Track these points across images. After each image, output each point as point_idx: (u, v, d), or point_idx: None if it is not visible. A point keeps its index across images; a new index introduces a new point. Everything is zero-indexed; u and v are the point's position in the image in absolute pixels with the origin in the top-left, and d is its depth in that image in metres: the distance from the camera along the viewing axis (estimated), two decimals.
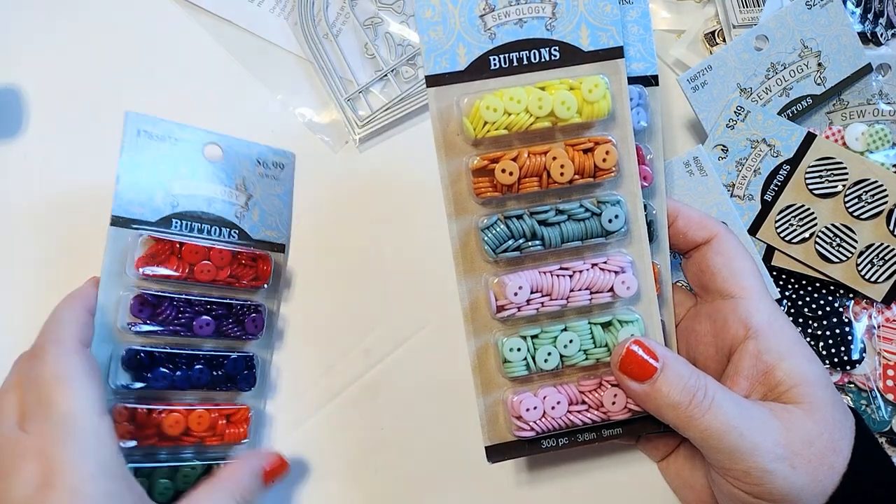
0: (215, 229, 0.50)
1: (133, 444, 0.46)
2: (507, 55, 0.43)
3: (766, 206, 0.53)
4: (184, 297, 0.48)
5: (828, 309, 0.53)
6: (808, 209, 0.52)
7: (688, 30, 0.60)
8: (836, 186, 0.52)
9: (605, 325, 0.44)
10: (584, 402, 0.44)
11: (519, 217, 0.43)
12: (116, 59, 0.58)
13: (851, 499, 0.40)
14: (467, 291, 0.44)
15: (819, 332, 0.52)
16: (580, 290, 0.44)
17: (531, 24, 0.43)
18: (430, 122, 0.43)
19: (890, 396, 0.51)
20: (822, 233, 0.52)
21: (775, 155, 0.53)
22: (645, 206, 0.46)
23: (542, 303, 0.43)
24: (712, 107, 0.54)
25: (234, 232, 0.51)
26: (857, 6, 0.56)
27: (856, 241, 0.51)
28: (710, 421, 0.39)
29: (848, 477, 0.40)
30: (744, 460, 0.39)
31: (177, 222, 0.49)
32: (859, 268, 0.51)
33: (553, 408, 0.44)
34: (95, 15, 0.59)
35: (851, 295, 0.53)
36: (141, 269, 0.47)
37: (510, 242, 0.43)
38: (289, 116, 0.58)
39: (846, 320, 0.52)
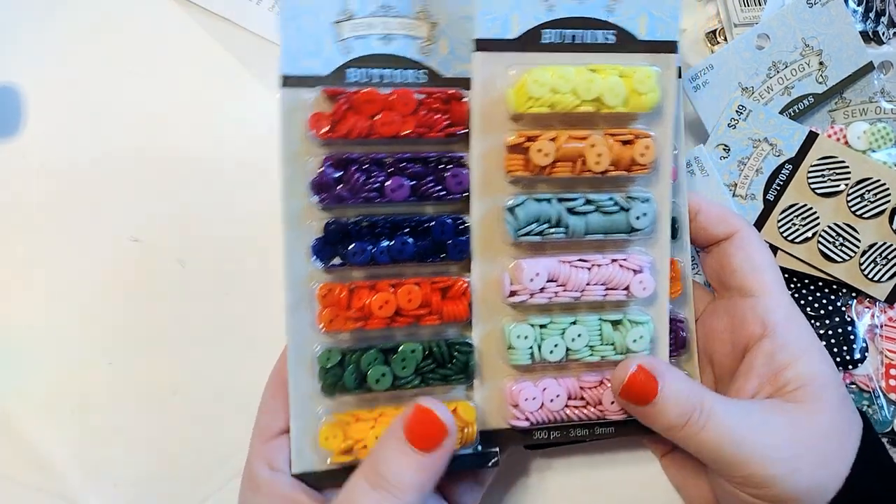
0: (399, 72, 0.43)
1: (339, 326, 0.41)
2: (560, 31, 0.41)
3: (769, 206, 0.53)
4: (372, 157, 0.42)
5: (830, 308, 0.52)
6: (811, 208, 0.52)
7: (689, 29, 0.60)
8: (838, 185, 0.51)
9: (615, 324, 0.44)
10: (582, 398, 0.44)
11: (548, 201, 0.42)
12: (116, 59, 0.58)
13: (852, 503, 0.40)
14: (481, 272, 0.43)
15: (821, 332, 0.52)
16: (596, 284, 0.43)
17: (592, 2, 0.42)
18: (471, 88, 0.41)
19: (893, 396, 0.51)
20: (825, 232, 0.52)
21: (777, 154, 0.53)
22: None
23: (556, 292, 0.42)
24: (714, 106, 0.54)
25: (424, 72, 0.43)
26: (859, 5, 0.56)
27: (858, 241, 0.51)
28: (706, 437, 0.39)
29: (850, 481, 0.40)
30: (743, 468, 0.39)
31: (352, 71, 0.42)
32: (862, 267, 0.51)
33: (552, 400, 0.43)
34: (95, 14, 0.58)
35: (854, 294, 0.53)
36: (314, 131, 0.41)
37: (533, 226, 0.41)
38: None
39: (848, 319, 0.52)
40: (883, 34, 0.56)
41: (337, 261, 0.42)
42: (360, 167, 0.41)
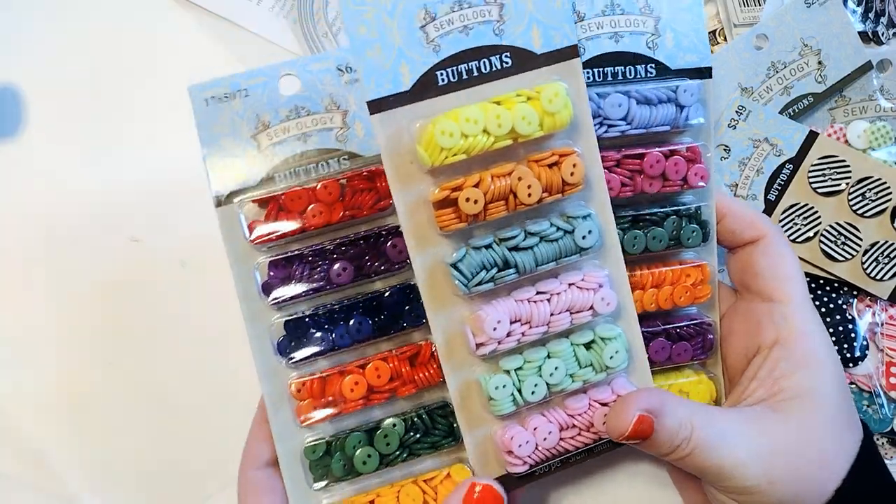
0: (322, 164, 0.44)
1: (317, 418, 0.43)
2: (454, 68, 0.39)
3: (770, 206, 0.53)
4: (312, 248, 0.43)
5: (831, 306, 0.52)
6: (812, 208, 0.52)
7: None
8: (839, 185, 0.52)
9: (588, 345, 0.43)
10: (574, 426, 0.43)
11: (488, 246, 0.40)
12: (116, 59, 0.58)
13: None
14: (441, 328, 0.41)
15: None
16: (560, 313, 0.41)
17: (478, 30, 0.39)
18: (381, 152, 0.39)
19: (893, 394, 0.51)
20: (827, 231, 0.52)
21: (778, 154, 0.53)
22: (699, 208, 0.45)
23: (523, 332, 0.41)
24: (714, 106, 0.54)
25: (344, 158, 0.44)
26: (858, 5, 0.56)
27: (860, 239, 0.51)
28: (695, 461, 0.39)
29: (840, 493, 0.40)
30: (724, 481, 0.40)
31: (279, 175, 0.44)
32: (864, 266, 0.51)
33: (545, 438, 0.42)
34: (95, 15, 0.58)
35: (854, 292, 0.53)
36: (252, 235, 0.42)
37: (483, 275, 0.40)
38: None
39: (849, 317, 0.52)
40: (882, 34, 0.56)
41: (302, 354, 0.43)
42: (302, 261, 0.43)
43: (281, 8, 0.59)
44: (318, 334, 0.43)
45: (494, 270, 0.40)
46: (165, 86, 0.58)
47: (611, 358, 0.42)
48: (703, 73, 0.45)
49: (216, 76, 0.43)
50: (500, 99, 0.39)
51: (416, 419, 0.43)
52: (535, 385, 0.41)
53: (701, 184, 0.45)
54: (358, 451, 0.42)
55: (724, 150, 0.53)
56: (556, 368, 0.41)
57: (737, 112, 0.53)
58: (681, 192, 0.45)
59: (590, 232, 0.41)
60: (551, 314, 0.41)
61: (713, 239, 0.46)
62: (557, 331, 0.42)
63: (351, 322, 0.43)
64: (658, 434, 0.39)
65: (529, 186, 0.39)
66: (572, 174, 0.40)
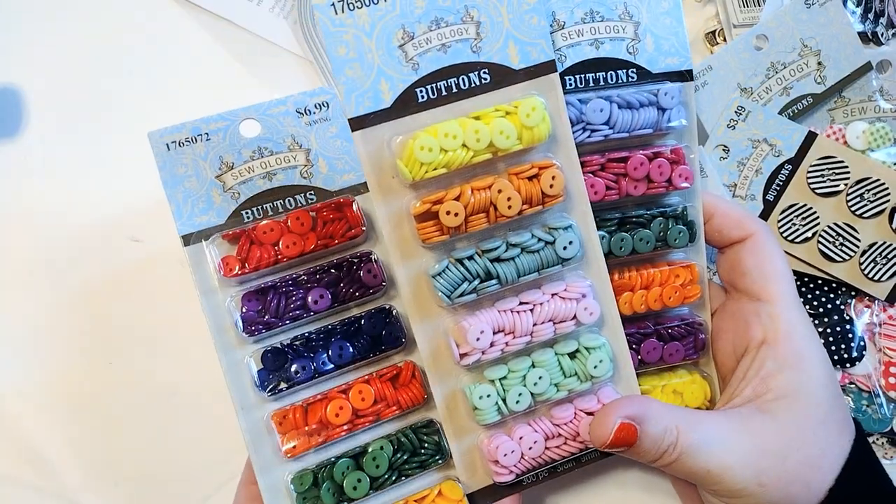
0: (289, 200, 0.45)
1: (303, 448, 0.43)
2: (434, 85, 0.40)
3: (769, 206, 0.53)
4: (287, 278, 0.44)
5: (829, 306, 0.52)
6: (811, 208, 0.52)
7: (688, 29, 0.60)
8: (837, 185, 0.52)
9: (572, 354, 0.43)
10: (560, 436, 0.43)
11: (470, 258, 0.41)
12: (116, 59, 0.58)
13: None
14: (426, 339, 0.42)
15: (820, 330, 0.52)
16: (543, 323, 0.42)
17: (456, 48, 0.40)
18: (363, 167, 0.40)
19: (892, 394, 0.51)
20: (825, 232, 0.52)
21: (777, 154, 0.53)
22: (685, 209, 0.45)
23: (507, 342, 0.41)
24: (713, 107, 0.54)
25: (311, 194, 0.45)
26: (858, 6, 0.56)
27: (858, 240, 0.51)
28: (683, 466, 0.40)
29: (833, 493, 0.40)
30: (714, 484, 0.40)
31: (247, 212, 0.44)
32: (862, 266, 0.51)
33: (530, 448, 0.42)
34: (95, 15, 0.58)
35: (853, 293, 0.53)
36: (227, 271, 0.43)
37: (465, 286, 0.40)
38: None
39: (847, 318, 0.52)
40: (882, 35, 0.56)
41: (283, 385, 0.43)
42: (277, 292, 0.43)
43: (281, 8, 0.59)
44: (299, 363, 0.43)
45: (476, 282, 0.41)
46: (165, 86, 0.58)
47: (595, 367, 0.42)
48: (685, 76, 0.46)
49: (175, 122, 0.43)
50: (478, 114, 0.40)
51: (402, 439, 0.43)
52: (520, 394, 0.41)
53: (685, 185, 0.45)
54: (347, 478, 0.42)
55: (724, 150, 0.53)
56: (540, 378, 0.42)
57: (736, 112, 0.53)
58: (666, 193, 0.46)
59: (570, 243, 0.42)
60: (534, 324, 0.42)
61: (701, 239, 0.47)
62: (540, 340, 0.42)
63: (331, 348, 0.43)
64: (643, 441, 0.39)
65: (509, 199, 0.40)
66: (552, 186, 0.41)
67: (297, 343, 0.44)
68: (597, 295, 0.43)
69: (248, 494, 0.44)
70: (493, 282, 0.41)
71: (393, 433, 0.44)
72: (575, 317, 0.42)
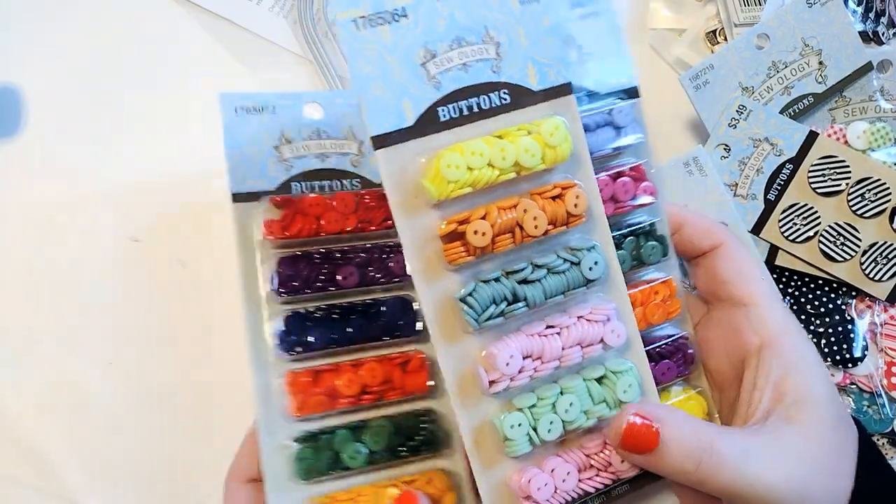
0: (336, 183, 0.48)
1: (310, 408, 0.44)
2: (455, 104, 0.40)
3: (770, 206, 0.53)
4: (322, 251, 0.46)
5: (830, 306, 0.52)
6: (812, 208, 0.52)
7: (689, 28, 0.60)
8: (838, 185, 0.52)
9: (600, 380, 0.42)
10: (592, 467, 0.41)
11: (496, 280, 0.40)
12: (116, 59, 0.58)
13: None
14: (452, 367, 0.41)
15: (821, 330, 0.52)
16: (571, 346, 0.41)
17: (476, 67, 0.40)
18: (385, 187, 0.40)
19: (894, 394, 0.51)
20: (826, 232, 0.52)
21: (778, 154, 0.53)
22: (653, 224, 0.45)
23: (535, 368, 0.40)
24: (714, 106, 0.54)
25: (356, 181, 0.48)
26: (859, 5, 0.56)
27: (859, 240, 0.51)
28: (722, 480, 0.38)
29: (857, 495, 0.39)
30: (757, 502, 0.39)
31: (296, 185, 0.47)
32: (863, 266, 0.51)
33: (564, 480, 0.40)
34: (95, 14, 0.58)
35: (854, 293, 0.53)
36: (269, 235, 0.45)
37: (492, 309, 0.40)
38: None
39: (848, 318, 0.52)
40: (883, 34, 0.56)
41: (299, 349, 0.44)
42: (311, 262, 0.45)
43: (281, 8, 0.59)
44: (317, 331, 0.45)
45: (504, 304, 0.40)
46: (165, 86, 0.58)
47: (624, 392, 0.41)
48: (631, 93, 0.46)
49: (247, 91, 0.45)
50: (502, 133, 0.40)
51: (402, 422, 0.45)
52: (551, 423, 0.40)
53: (650, 200, 0.45)
54: (346, 447, 0.43)
55: (724, 149, 0.53)
56: (570, 405, 0.41)
57: (737, 111, 0.53)
58: (632, 211, 0.46)
59: (596, 263, 0.41)
60: (563, 348, 0.41)
61: (672, 252, 0.46)
62: (568, 365, 0.41)
63: (351, 325, 0.45)
64: (666, 442, 0.38)
65: (535, 218, 0.40)
66: (576, 205, 0.40)
67: (319, 312, 0.45)
68: (621, 316, 0.42)
69: (249, 450, 0.45)
70: (521, 304, 0.40)
71: (392, 415, 0.45)
72: (602, 340, 0.41)
